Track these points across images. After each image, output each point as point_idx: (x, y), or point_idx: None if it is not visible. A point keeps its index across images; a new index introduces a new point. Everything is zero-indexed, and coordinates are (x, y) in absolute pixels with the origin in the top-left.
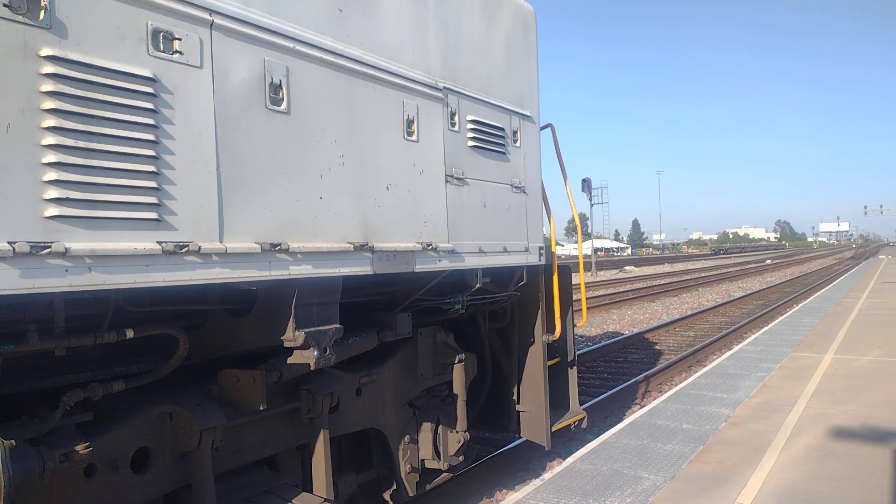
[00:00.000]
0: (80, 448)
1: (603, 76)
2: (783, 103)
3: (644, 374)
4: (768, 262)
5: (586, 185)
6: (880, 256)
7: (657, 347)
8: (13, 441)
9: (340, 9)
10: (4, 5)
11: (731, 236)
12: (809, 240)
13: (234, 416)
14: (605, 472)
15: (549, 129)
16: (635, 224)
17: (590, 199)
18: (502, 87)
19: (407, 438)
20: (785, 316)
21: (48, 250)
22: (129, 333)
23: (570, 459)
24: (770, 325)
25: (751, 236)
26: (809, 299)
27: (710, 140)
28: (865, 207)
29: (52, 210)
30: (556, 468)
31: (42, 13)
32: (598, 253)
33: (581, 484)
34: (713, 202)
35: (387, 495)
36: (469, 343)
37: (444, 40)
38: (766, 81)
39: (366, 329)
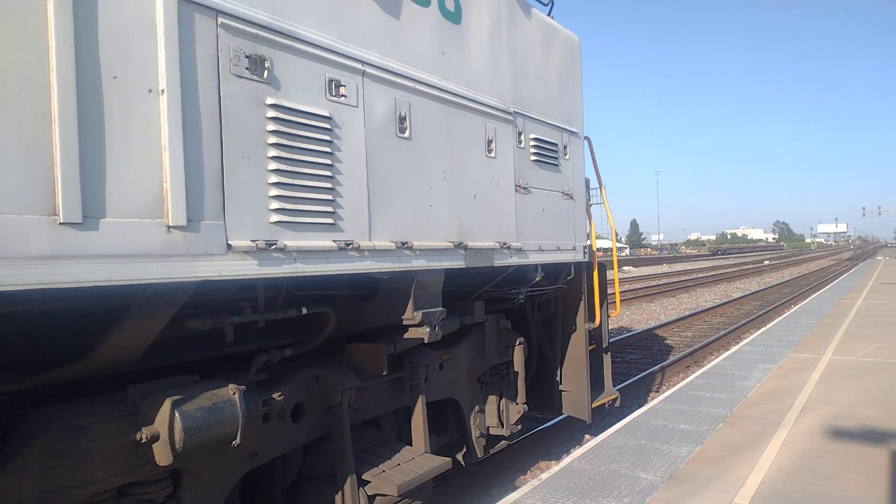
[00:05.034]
0: (276, 396)
1: (601, 73)
2: (782, 105)
3: (641, 375)
4: (766, 262)
5: (585, 185)
6: (878, 258)
7: (655, 348)
8: (243, 387)
9: (443, 52)
10: (246, 68)
11: (729, 237)
12: (808, 241)
13: (363, 380)
14: (602, 472)
15: (585, 141)
16: (634, 224)
17: (588, 200)
18: (556, 108)
19: (476, 408)
20: (783, 317)
21: (274, 246)
22: (304, 310)
23: (567, 459)
24: (768, 326)
25: (749, 237)
26: (807, 300)
27: (709, 141)
28: (863, 209)
29: (275, 217)
30: (554, 468)
31: (266, 72)
32: (598, 253)
33: (579, 484)
34: (712, 203)
35: (459, 456)
36: (517, 331)
37: (513, 71)
38: (764, 83)
39: (451, 314)
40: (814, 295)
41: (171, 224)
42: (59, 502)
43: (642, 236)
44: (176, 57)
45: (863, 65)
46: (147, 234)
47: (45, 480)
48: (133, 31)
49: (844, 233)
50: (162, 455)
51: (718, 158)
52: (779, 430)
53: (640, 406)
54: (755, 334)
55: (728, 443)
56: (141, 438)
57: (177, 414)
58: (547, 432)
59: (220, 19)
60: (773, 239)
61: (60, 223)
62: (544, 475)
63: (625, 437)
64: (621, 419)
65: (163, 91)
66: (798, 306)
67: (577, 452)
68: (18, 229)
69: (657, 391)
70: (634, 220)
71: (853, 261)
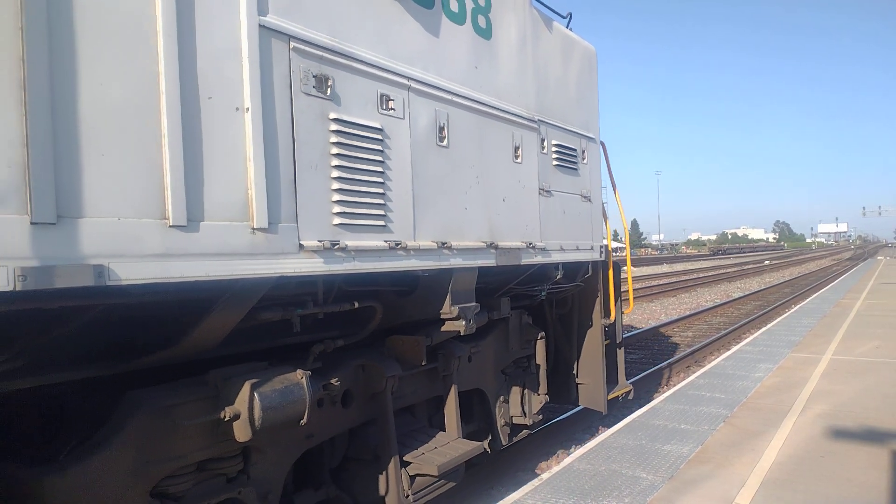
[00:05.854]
0: (333, 382)
1: (600, 69)
2: (783, 104)
3: (642, 374)
4: (767, 262)
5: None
6: (878, 258)
7: (655, 348)
8: (310, 371)
9: (476, 66)
10: (313, 87)
11: (729, 237)
12: (808, 241)
13: (404, 370)
14: (603, 472)
15: (600, 145)
16: (634, 224)
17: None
18: (575, 115)
19: (501, 398)
20: (783, 317)
21: (337, 246)
22: (356, 304)
23: (568, 459)
24: (769, 326)
25: (749, 237)
26: (808, 300)
27: (709, 140)
28: (864, 208)
29: (337, 220)
30: (555, 468)
31: (329, 90)
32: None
33: (579, 484)
34: (712, 203)
35: (485, 443)
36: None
37: (537, 81)
38: (765, 81)
39: (481, 309)
40: (814, 295)
41: (255, 226)
42: (153, 473)
43: (643, 236)
44: (258, 78)
45: (864, 63)
46: (236, 236)
47: (142, 454)
48: (223, 56)
49: (845, 233)
50: (241, 432)
51: (719, 158)
52: (779, 430)
53: (640, 406)
54: (756, 334)
55: (729, 442)
56: (224, 417)
57: (255, 395)
58: (546, 432)
59: (293, 44)
60: (774, 239)
61: (170, 226)
62: (545, 475)
63: (625, 436)
64: (622, 419)
65: (248, 109)
66: (798, 306)
67: (578, 452)
68: (138, 231)
69: (658, 391)
70: (635, 219)
71: (853, 261)
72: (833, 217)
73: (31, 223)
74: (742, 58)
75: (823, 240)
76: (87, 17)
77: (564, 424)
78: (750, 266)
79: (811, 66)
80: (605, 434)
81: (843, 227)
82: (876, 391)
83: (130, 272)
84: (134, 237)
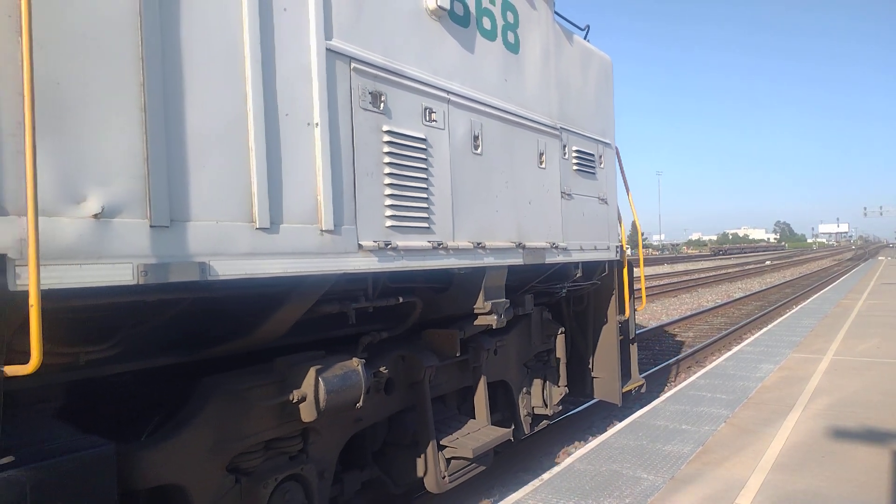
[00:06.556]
0: (382, 370)
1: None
2: (783, 104)
3: (643, 375)
4: (768, 262)
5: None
6: (879, 258)
7: (657, 348)
8: (364, 359)
9: (506, 79)
10: (369, 102)
11: (730, 237)
12: (809, 241)
13: (440, 360)
14: (604, 473)
15: (614, 150)
16: (634, 224)
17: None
18: (593, 122)
19: (524, 390)
20: (784, 317)
21: (390, 246)
22: (400, 299)
23: (569, 460)
24: (770, 326)
25: (750, 237)
26: (809, 300)
27: (710, 140)
28: (865, 209)
29: (389, 222)
30: (555, 469)
31: (382, 105)
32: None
33: (580, 484)
34: (713, 203)
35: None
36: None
37: (559, 92)
38: (766, 82)
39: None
40: (815, 295)
41: (323, 228)
42: (229, 450)
43: (644, 236)
44: (325, 96)
45: (864, 63)
46: (308, 237)
47: (219, 433)
48: (296, 77)
49: (846, 233)
50: (307, 413)
51: (720, 158)
52: (780, 430)
53: (641, 406)
54: (757, 334)
55: (729, 443)
56: (293, 399)
57: (320, 379)
58: (546, 432)
59: (353, 64)
60: (775, 239)
61: (256, 228)
62: (546, 475)
63: (626, 437)
64: (623, 419)
65: (317, 124)
66: (800, 306)
67: (579, 453)
68: (232, 233)
69: (659, 391)
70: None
71: (855, 261)
72: (834, 217)
73: (151, 226)
74: (743, 59)
75: (824, 240)
76: (189, 45)
77: (565, 424)
78: (751, 266)
79: (811, 67)
80: (606, 434)
81: (844, 228)
82: (877, 391)
83: (226, 269)
84: (228, 238)
